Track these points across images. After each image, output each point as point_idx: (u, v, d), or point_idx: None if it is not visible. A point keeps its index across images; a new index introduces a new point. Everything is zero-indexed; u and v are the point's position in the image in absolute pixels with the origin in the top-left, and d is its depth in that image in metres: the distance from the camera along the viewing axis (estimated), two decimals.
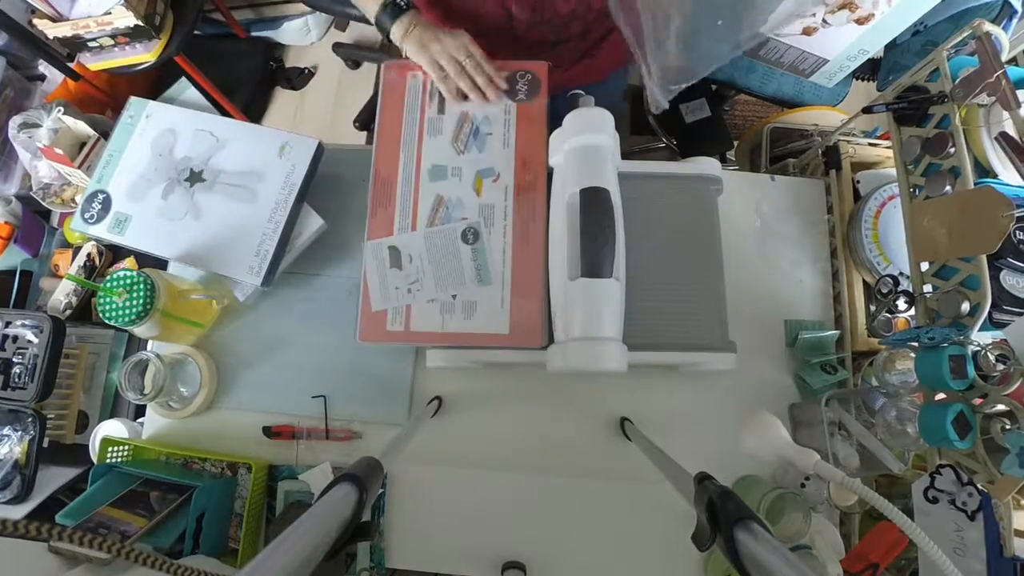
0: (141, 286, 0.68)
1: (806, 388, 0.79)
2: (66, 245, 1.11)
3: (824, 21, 0.83)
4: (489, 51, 0.74)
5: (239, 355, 0.81)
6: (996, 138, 0.65)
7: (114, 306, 0.68)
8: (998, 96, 0.61)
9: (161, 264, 0.81)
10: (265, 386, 0.80)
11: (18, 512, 0.84)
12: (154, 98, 0.88)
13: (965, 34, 0.66)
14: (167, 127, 0.80)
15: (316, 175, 0.79)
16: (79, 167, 1.05)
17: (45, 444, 0.87)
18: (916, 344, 0.64)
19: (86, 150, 1.09)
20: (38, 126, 1.10)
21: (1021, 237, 0.62)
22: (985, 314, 0.59)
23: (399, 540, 0.76)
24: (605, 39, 0.87)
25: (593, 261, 0.61)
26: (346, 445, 0.78)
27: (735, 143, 1.33)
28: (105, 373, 0.99)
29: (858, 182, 0.89)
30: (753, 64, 1.00)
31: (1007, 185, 0.65)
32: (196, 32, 1.44)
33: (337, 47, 1.87)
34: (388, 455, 0.49)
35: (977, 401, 0.59)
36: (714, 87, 1.27)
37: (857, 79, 1.08)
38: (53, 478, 0.91)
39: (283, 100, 1.94)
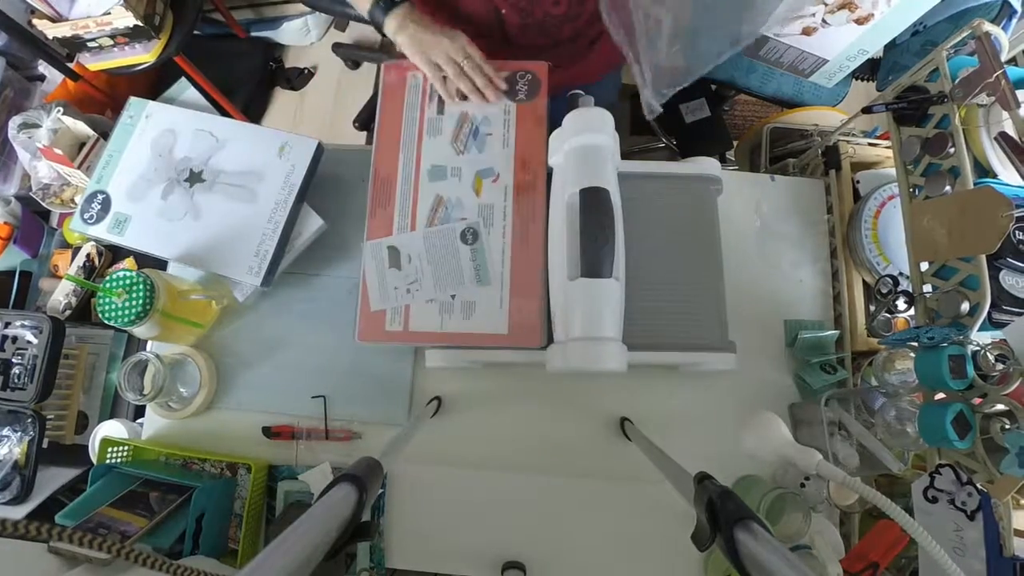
0: (140, 286, 0.68)
1: (806, 388, 0.79)
2: (66, 245, 1.11)
3: (824, 21, 0.83)
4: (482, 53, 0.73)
5: (239, 355, 0.81)
6: (996, 138, 0.65)
7: (114, 306, 0.67)
8: (998, 96, 0.61)
9: (161, 264, 0.81)
10: (265, 386, 0.80)
11: (18, 512, 0.84)
12: (154, 98, 0.88)
13: (965, 34, 0.66)
14: (167, 127, 0.80)
15: (316, 175, 0.79)
16: (79, 167, 1.05)
17: (45, 445, 0.87)
18: (916, 344, 0.64)
19: (86, 150, 1.09)
20: (38, 126, 1.10)
21: (1021, 237, 0.62)
22: (984, 314, 0.59)
23: (399, 540, 0.76)
24: (596, 42, 0.87)
25: (593, 261, 0.61)
26: (346, 445, 0.78)
27: (735, 143, 1.33)
28: (105, 373, 0.99)
29: (858, 182, 0.89)
30: (753, 64, 1.00)
31: (1007, 185, 0.65)
32: (196, 32, 1.44)
33: (337, 47, 1.87)
34: (388, 455, 0.49)
35: (977, 401, 0.59)
36: (714, 87, 1.27)
37: (857, 79, 1.08)
38: (53, 478, 0.91)
39: (283, 100, 1.94)
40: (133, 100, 0.83)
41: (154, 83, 1.65)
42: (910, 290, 0.70)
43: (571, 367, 0.61)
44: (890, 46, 0.97)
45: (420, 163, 0.74)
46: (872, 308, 0.82)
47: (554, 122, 0.73)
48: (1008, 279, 0.63)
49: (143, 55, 1.36)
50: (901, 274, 0.77)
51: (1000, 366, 0.58)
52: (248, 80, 1.82)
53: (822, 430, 0.70)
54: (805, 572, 0.29)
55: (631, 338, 0.63)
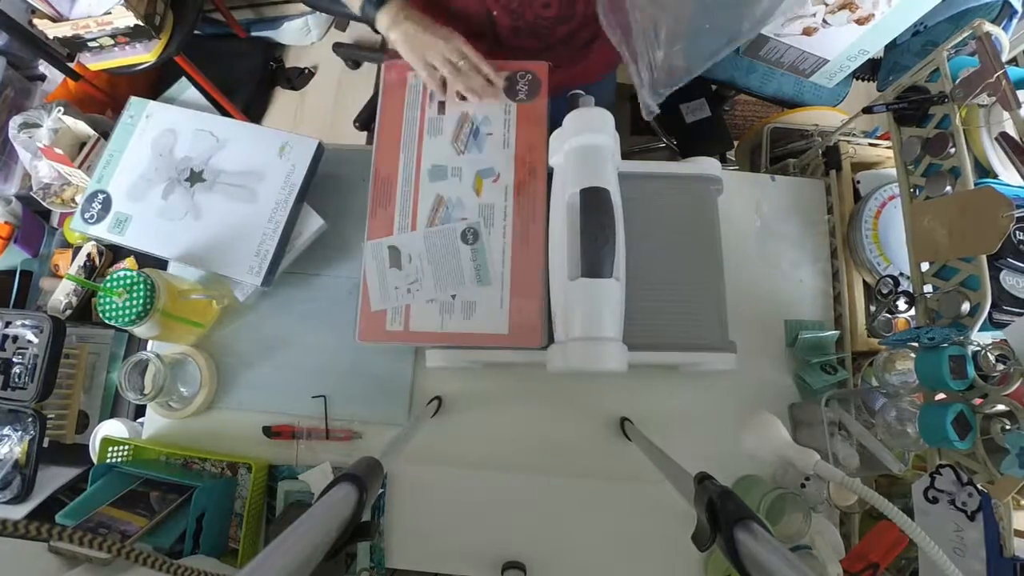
0: (141, 286, 0.68)
1: (806, 388, 0.79)
2: (66, 245, 1.11)
3: (824, 21, 0.83)
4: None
5: (239, 355, 0.81)
6: (996, 138, 0.65)
7: (114, 306, 0.68)
8: (998, 96, 0.61)
9: (161, 264, 0.81)
10: (265, 386, 0.80)
11: (18, 512, 0.84)
12: (154, 98, 0.88)
13: (965, 34, 0.66)
14: (167, 127, 0.80)
15: (316, 175, 0.79)
16: (79, 167, 1.05)
17: (45, 444, 0.87)
18: (916, 344, 0.64)
19: (86, 150, 1.09)
20: (38, 126, 1.10)
21: (1021, 237, 0.62)
22: (985, 314, 0.59)
23: (399, 540, 0.76)
24: (591, 44, 0.86)
25: (593, 261, 0.61)
26: (346, 445, 0.78)
27: (735, 143, 1.33)
28: (105, 373, 0.99)
29: (858, 182, 0.89)
30: (753, 64, 1.00)
31: (1007, 185, 0.65)
32: (196, 32, 1.44)
33: (337, 47, 1.87)
34: (388, 455, 0.49)
35: (977, 401, 0.59)
36: (714, 87, 1.27)
37: (857, 79, 1.08)
38: (53, 478, 0.91)
39: (283, 100, 1.94)
40: (133, 100, 0.83)
41: (154, 83, 1.65)
42: (910, 290, 0.70)
43: (571, 367, 0.61)
44: (891, 46, 0.96)
45: (421, 163, 0.74)
46: (872, 308, 0.82)
47: (554, 122, 0.73)
48: (1008, 279, 0.63)
49: (143, 55, 1.36)
50: (901, 274, 0.77)
51: (1000, 366, 0.58)
52: (248, 80, 1.82)
53: (822, 430, 0.70)
54: (805, 572, 0.29)
55: (631, 338, 0.63)
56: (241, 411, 0.80)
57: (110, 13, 1.24)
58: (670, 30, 0.61)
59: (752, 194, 0.89)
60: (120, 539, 0.46)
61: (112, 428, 0.88)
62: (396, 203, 0.73)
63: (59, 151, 1.02)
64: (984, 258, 0.60)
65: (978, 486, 0.50)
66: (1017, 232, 0.62)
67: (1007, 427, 0.56)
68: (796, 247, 0.87)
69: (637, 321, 0.66)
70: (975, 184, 0.64)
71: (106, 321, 0.68)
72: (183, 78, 1.57)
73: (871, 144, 0.90)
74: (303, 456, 0.78)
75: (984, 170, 0.67)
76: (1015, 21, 0.84)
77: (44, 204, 1.11)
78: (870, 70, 1.05)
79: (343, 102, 1.89)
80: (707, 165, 0.74)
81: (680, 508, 0.47)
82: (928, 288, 0.68)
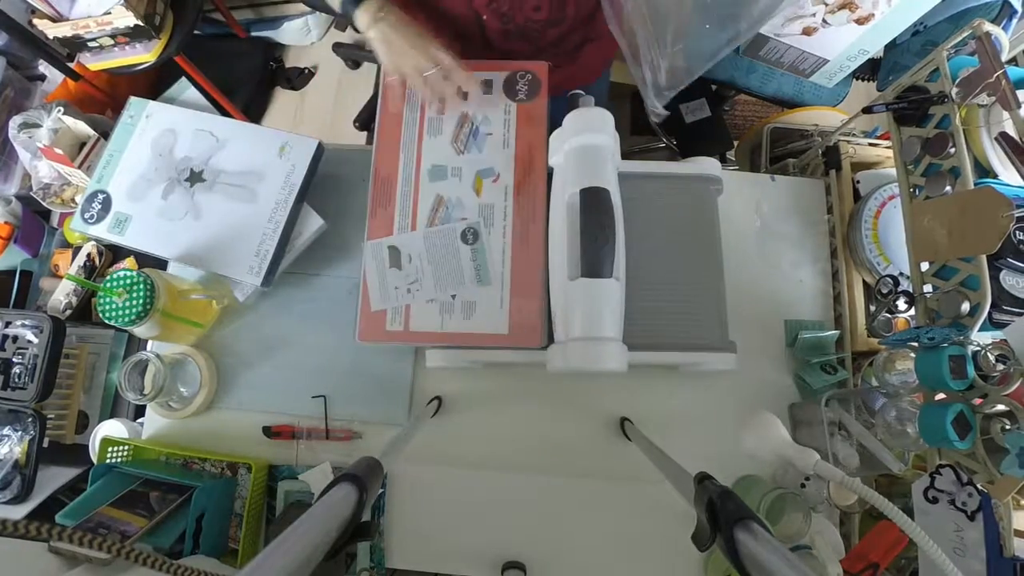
0: (141, 286, 0.68)
1: (806, 388, 0.79)
2: (66, 245, 1.11)
3: (824, 21, 0.83)
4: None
5: (239, 355, 0.81)
6: (996, 138, 0.65)
7: (114, 306, 0.68)
8: (998, 96, 0.61)
9: (161, 264, 0.81)
10: (265, 386, 0.80)
11: (18, 512, 0.84)
12: (154, 98, 0.88)
13: (965, 34, 0.66)
14: (167, 127, 0.80)
15: (316, 175, 0.79)
16: (79, 167, 1.05)
17: (45, 444, 0.87)
18: (916, 344, 0.64)
19: (86, 150, 1.09)
20: (38, 126, 1.10)
21: (1021, 237, 0.62)
22: (985, 314, 0.59)
23: (399, 540, 0.76)
24: (582, 47, 0.85)
25: (593, 261, 0.61)
26: (346, 445, 0.78)
27: (735, 143, 1.33)
28: (105, 373, 0.99)
29: (858, 182, 0.89)
30: (753, 64, 1.00)
31: (1007, 185, 0.65)
32: (196, 32, 1.44)
33: (337, 47, 1.87)
34: (388, 455, 0.49)
35: (977, 401, 0.59)
36: (714, 87, 1.27)
37: (857, 79, 1.08)
38: (53, 478, 0.91)
39: (283, 100, 1.94)
40: (133, 100, 0.83)
41: (154, 83, 1.66)
42: (910, 290, 0.70)
43: (571, 367, 0.61)
44: (890, 46, 0.97)
45: (420, 163, 0.74)
46: (872, 308, 0.82)
47: (554, 122, 0.73)
48: (1008, 279, 0.63)
49: (143, 55, 1.36)
50: (901, 274, 0.77)
51: (1000, 366, 0.58)
52: (248, 80, 1.82)
53: (822, 430, 0.70)
54: (805, 572, 0.29)
55: (631, 338, 0.63)
56: (241, 411, 0.80)
57: (110, 13, 1.24)
58: (672, 32, 0.61)
59: (752, 194, 0.89)
60: (120, 539, 0.46)
61: (112, 428, 0.88)
62: (396, 203, 0.73)
63: (59, 151, 1.02)
64: (984, 258, 0.60)
65: (978, 486, 0.50)
66: (1017, 232, 0.62)
67: (1007, 427, 0.56)
68: (796, 247, 0.87)
69: (637, 321, 0.66)
70: (975, 184, 0.64)
71: (106, 321, 0.68)
72: (183, 78, 1.57)
73: (871, 144, 0.90)
74: (303, 456, 0.78)
75: (984, 170, 0.67)
76: (1015, 21, 0.85)
77: (44, 204, 1.11)
78: (870, 70, 1.05)
79: (343, 102, 1.89)
80: (707, 165, 0.74)
81: (680, 508, 0.47)
82: (928, 288, 0.68)
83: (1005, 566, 0.50)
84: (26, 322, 0.84)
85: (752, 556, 0.33)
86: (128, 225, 0.77)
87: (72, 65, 1.37)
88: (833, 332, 0.81)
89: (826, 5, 0.80)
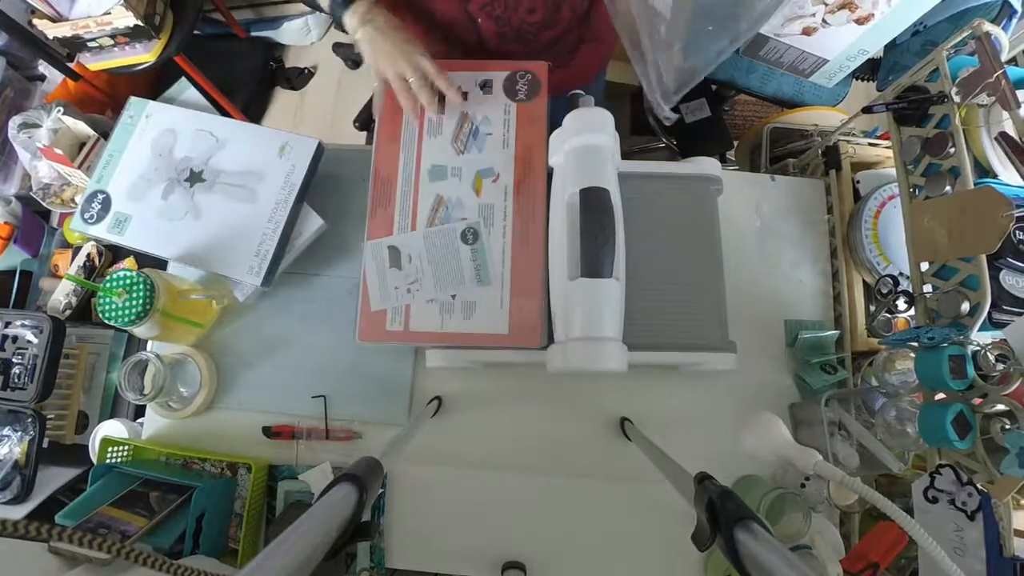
0: (141, 286, 0.68)
1: (806, 388, 0.79)
2: (66, 245, 1.11)
3: (824, 21, 0.83)
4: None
5: (239, 355, 0.81)
6: (996, 138, 0.65)
7: (114, 306, 0.68)
8: (998, 96, 0.61)
9: (161, 264, 0.81)
10: (265, 386, 0.80)
11: (18, 512, 0.84)
12: (154, 98, 0.88)
13: (965, 34, 0.66)
14: (167, 127, 0.80)
15: (316, 175, 0.79)
16: (79, 167, 1.05)
17: (45, 444, 0.87)
18: (916, 344, 0.64)
19: (86, 150, 1.09)
20: (38, 126, 1.10)
21: (1021, 237, 0.62)
22: (985, 314, 0.59)
23: (399, 540, 0.76)
24: (577, 49, 0.85)
25: (593, 261, 0.61)
26: (346, 445, 0.78)
27: (735, 143, 1.33)
28: (105, 373, 0.99)
29: (858, 182, 0.89)
30: (753, 64, 1.00)
31: (1007, 185, 0.65)
32: (196, 32, 1.44)
33: (337, 47, 1.87)
34: (388, 455, 0.49)
35: (977, 401, 0.59)
36: (714, 87, 1.27)
37: (857, 79, 1.08)
38: (53, 478, 0.91)
39: (283, 100, 1.94)
40: (133, 100, 0.83)
41: (154, 83, 1.66)
42: (910, 290, 0.70)
43: (571, 367, 0.61)
44: (890, 46, 0.97)
45: (420, 163, 0.74)
46: (872, 308, 0.82)
47: (554, 122, 0.73)
48: (1008, 279, 0.63)
49: (143, 55, 1.36)
50: (901, 274, 0.77)
51: (1000, 366, 0.58)
52: (248, 80, 1.82)
53: (822, 430, 0.70)
54: (805, 572, 0.29)
55: (631, 338, 0.63)
56: (241, 411, 0.80)
57: (110, 13, 1.24)
58: (675, 34, 0.61)
59: (752, 194, 0.89)
60: (120, 539, 0.46)
61: (112, 428, 0.88)
62: (396, 203, 0.73)
63: (59, 151, 1.02)
64: (984, 258, 0.60)
65: (978, 486, 0.51)
66: (1017, 232, 0.62)
67: (1007, 427, 0.56)
68: (796, 247, 0.87)
69: (637, 321, 0.66)
70: (975, 184, 0.64)
71: (106, 321, 0.68)
72: (183, 78, 1.57)
73: (871, 144, 0.90)
74: (303, 456, 0.78)
75: (984, 170, 0.67)
76: (1015, 21, 0.85)
77: (44, 204, 1.11)
78: (870, 70, 1.05)
79: (343, 102, 1.89)
80: (707, 165, 0.74)
81: (680, 508, 0.47)
82: (928, 288, 0.68)
83: (1005, 566, 0.50)
84: (26, 322, 0.84)
85: (752, 556, 0.33)
86: (128, 225, 0.77)
87: (72, 65, 1.37)
88: (833, 332, 0.81)
89: (826, 5, 0.80)
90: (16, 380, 0.83)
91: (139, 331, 0.71)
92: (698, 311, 0.70)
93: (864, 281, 0.84)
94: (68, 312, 1.02)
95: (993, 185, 0.61)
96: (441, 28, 0.78)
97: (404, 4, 0.76)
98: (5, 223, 1.08)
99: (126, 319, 0.67)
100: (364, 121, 1.53)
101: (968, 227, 0.60)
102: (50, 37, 1.28)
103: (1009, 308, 0.62)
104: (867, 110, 0.78)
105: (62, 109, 1.11)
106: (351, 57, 1.88)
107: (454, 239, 0.71)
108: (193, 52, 1.46)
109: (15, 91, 1.35)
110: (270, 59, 1.90)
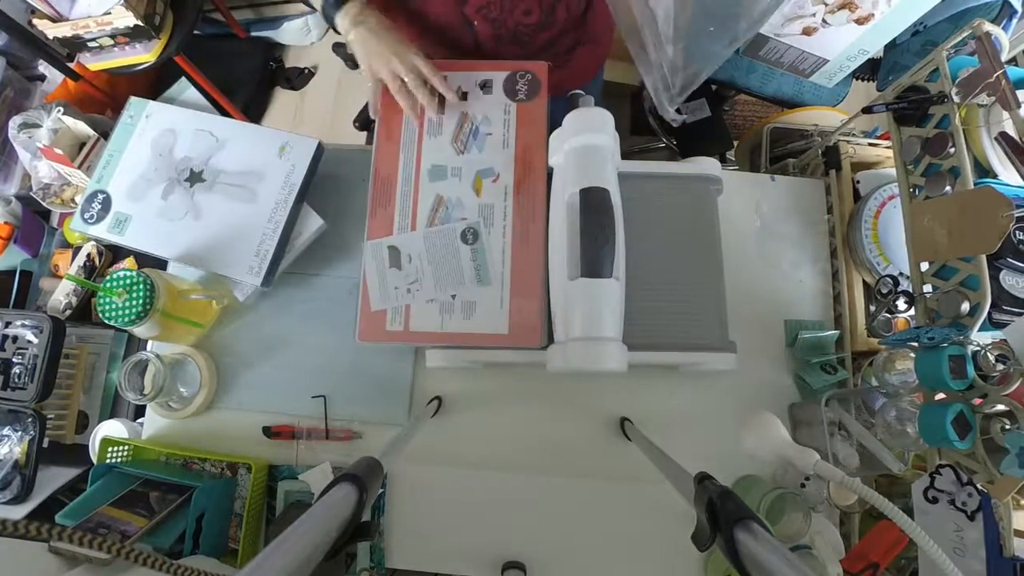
0: (141, 286, 0.68)
1: (806, 388, 0.79)
2: (66, 245, 1.11)
3: (824, 21, 0.83)
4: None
5: (239, 355, 0.81)
6: (996, 138, 0.65)
7: (114, 306, 0.68)
8: (998, 96, 0.61)
9: (161, 264, 0.81)
10: (265, 386, 0.80)
11: (18, 512, 0.84)
12: (154, 98, 0.88)
13: (965, 34, 0.66)
14: (167, 127, 0.80)
15: (316, 175, 0.79)
16: (79, 167, 1.05)
17: (45, 444, 0.87)
18: (916, 344, 0.64)
19: (86, 150, 1.09)
20: (38, 126, 1.10)
21: (1021, 237, 0.62)
22: (985, 314, 0.59)
23: (399, 540, 0.76)
24: (573, 51, 0.85)
25: (593, 261, 0.61)
26: (346, 445, 0.78)
27: (735, 143, 1.33)
28: (105, 373, 0.99)
29: (858, 182, 0.89)
30: (753, 64, 1.00)
31: (1007, 185, 0.65)
32: (196, 32, 1.44)
33: (337, 47, 1.87)
34: (388, 455, 0.49)
35: (977, 401, 0.59)
36: (714, 87, 1.27)
37: (857, 79, 1.08)
38: (53, 478, 0.91)
39: (283, 100, 1.94)
40: (133, 100, 0.83)
41: (154, 83, 1.66)
42: (910, 290, 0.70)
43: (571, 367, 0.61)
44: (890, 46, 0.96)
45: (420, 163, 0.74)
46: (872, 308, 0.82)
47: (554, 122, 0.73)
48: (1008, 279, 0.63)
49: (143, 55, 1.36)
50: (901, 274, 0.77)
51: (1000, 366, 0.58)
52: (248, 80, 1.82)
53: (822, 430, 0.70)
54: (805, 572, 0.29)
55: (631, 338, 0.63)
56: (241, 411, 0.80)
57: (110, 13, 1.25)
58: (676, 36, 0.61)
59: (752, 194, 0.89)
60: (120, 539, 0.46)
61: (112, 428, 0.88)
62: (396, 203, 0.73)
63: (59, 151, 1.02)
64: (984, 258, 0.60)
65: (978, 486, 0.51)
66: (1017, 232, 0.62)
67: (1007, 427, 0.56)
68: (796, 247, 0.87)
69: (637, 321, 0.66)
70: (975, 184, 0.64)
71: (106, 321, 0.68)
72: (183, 78, 1.58)
73: (871, 144, 0.90)
74: (303, 456, 0.78)
75: (984, 170, 0.67)
76: (1015, 21, 0.84)
77: (44, 204, 1.11)
78: (870, 70, 1.05)
79: (343, 102, 1.89)
80: (707, 165, 0.74)
81: (680, 508, 0.47)
82: (928, 288, 0.68)
83: (1005, 566, 0.50)
84: (26, 322, 0.84)
85: (752, 556, 0.33)
86: (128, 225, 0.77)
87: (72, 65, 1.37)
88: (833, 332, 0.81)
89: (826, 5, 0.80)
90: (16, 380, 0.83)
91: (139, 331, 0.71)
92: (698, 311, 0.70)
93: (864, 281, 0.84)
94: (68, 312, 1.02)
95: (993, 185, 0.61)
96: (436, 31, 0.78)
97: (397, 6, 0.76)
98: (5, 223, 1.08)
99: (126, 319, 0.67)
100: (364, 121, 1.53)
101: (968, 227, 0.60)
102: (50, 37, 1.28)
103: (1009, 308, 0.62)
104: (867, 110, 0.78)
105: (62, 109, 1.11)
106: (351, 57, 1.88)
107: (454, 239, 0.71)
108: (193, 52, 1.46)
109: (15, 91, 1.35)
110: (270, 59, 1.90)
